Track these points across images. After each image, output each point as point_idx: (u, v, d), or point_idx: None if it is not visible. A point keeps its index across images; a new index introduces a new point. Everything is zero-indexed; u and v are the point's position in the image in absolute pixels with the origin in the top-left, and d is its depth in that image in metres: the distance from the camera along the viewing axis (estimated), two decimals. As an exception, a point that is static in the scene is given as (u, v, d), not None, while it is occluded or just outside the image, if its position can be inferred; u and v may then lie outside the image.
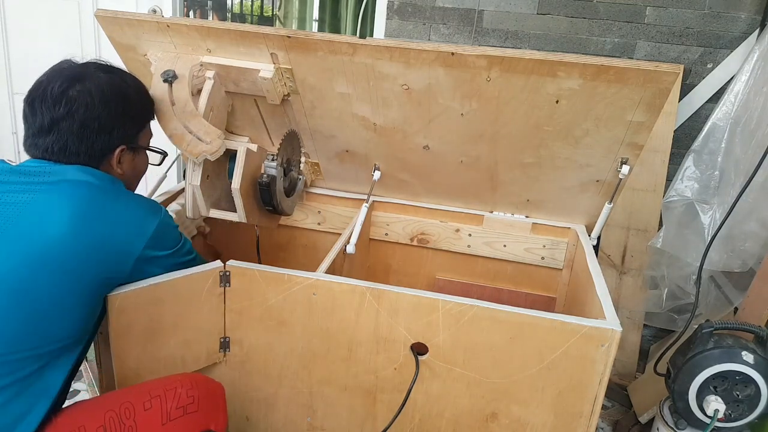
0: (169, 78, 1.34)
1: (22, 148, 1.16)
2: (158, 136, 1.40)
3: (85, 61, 1.19)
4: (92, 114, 1.11)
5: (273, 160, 1.50)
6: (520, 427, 1.27)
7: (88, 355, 2.05)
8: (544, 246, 1.80)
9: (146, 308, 1.16)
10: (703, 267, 1.66)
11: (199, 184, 1.45)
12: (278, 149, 1.52)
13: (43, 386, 1.02)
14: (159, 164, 1.35)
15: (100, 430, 1.01)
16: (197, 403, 1.09)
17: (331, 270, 1.45)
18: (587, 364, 1.18)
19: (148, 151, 1.27)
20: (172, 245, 1.19)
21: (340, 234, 1.69)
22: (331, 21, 3.47)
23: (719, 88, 2.10)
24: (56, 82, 1.11)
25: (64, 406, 1.11)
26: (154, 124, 1.35)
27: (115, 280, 1.11)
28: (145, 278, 1.15)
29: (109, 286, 1.11)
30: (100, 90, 1.13)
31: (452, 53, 1.28)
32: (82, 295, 1.04)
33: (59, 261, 1.00)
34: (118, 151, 1.16)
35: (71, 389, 1.92)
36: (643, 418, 1.91)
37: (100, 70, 1.18)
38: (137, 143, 1.22)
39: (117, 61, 1.55)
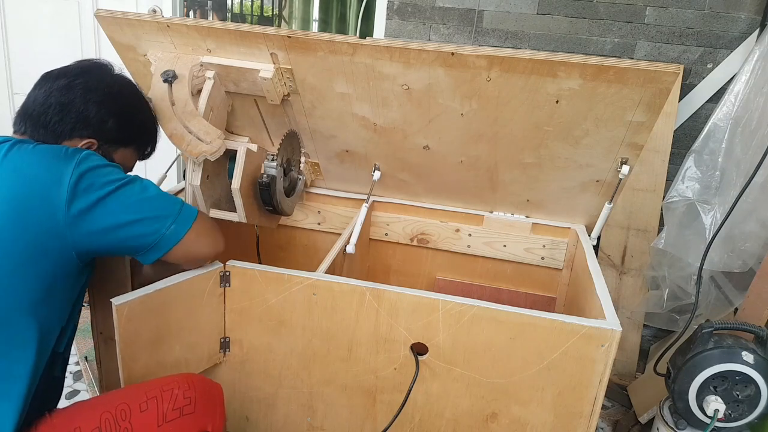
0: (169, 78, 1.34)
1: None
2: (159, 137, 1.40)
3: (121, 71, 1.22)
4: (86, 98, 1.11)
5: (273, 160, 1.50)
6: (520, 427, 1.28)
7: (87, 355, 2.06)
8: (544, 246, 1.80)
9: (152, 314, 1.16)
10: (704, 267, 1.67)
11: (199, 184, 1.45)
12: (278, 149, 1.52)
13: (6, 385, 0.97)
14: None
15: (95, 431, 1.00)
16: (194, 405, 1.07)
17: (331, 270, 1.45)
18: (587, 364, 1.18)
19: None
20: (105, 178, 1.04)
21: (340, 234, 1.69)
22: (334, 21, 3.47)
23: (719, 88, 2.10)
24: (81, 64, 1.14)
25: (62, 407, 1.11)
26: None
27: (58, 241, 1.00)
28: (106, 230, 1.03)
29: (57, 249, 1.00)
30: (108, 84, 1.14)
31: (452, 53, 1.28)
32: (26, 261, 0.98)
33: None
34: (85, 141, 1.12)
35: (71, 389, 1.93)
36: (643, 418, 1.91)
37: (124, 78, 1.20)
38: (111, 153, 1.17)
39: (117, 61, 1.56)
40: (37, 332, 1.01)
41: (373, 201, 1.85)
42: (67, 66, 1.15)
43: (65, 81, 1.11)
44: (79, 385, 1.96)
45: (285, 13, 3.92)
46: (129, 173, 1.13)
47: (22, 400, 0.98)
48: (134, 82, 1.25)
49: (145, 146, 1.28)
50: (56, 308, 1.05)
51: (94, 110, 1.12)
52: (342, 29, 3.43)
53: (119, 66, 1.23)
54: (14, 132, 1.13)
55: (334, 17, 3.46)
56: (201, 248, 1.17)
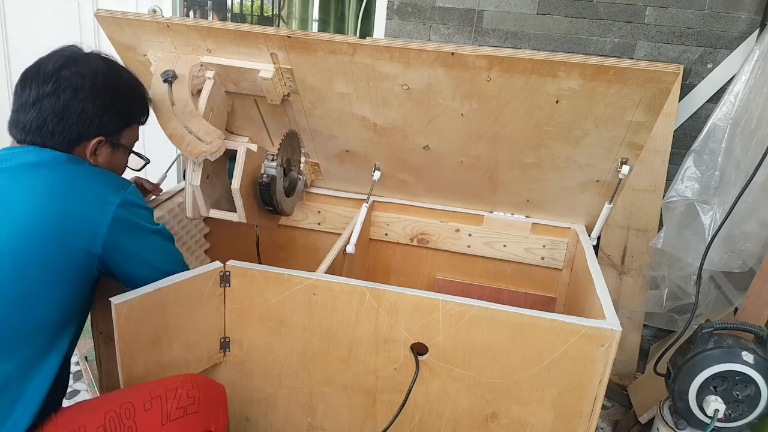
0: (169, 78, 1.34)
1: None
2: (158, 136, 1.40)
3: (91, 50, 1.19)
4: (78, 97, 1.10)
5: (273, 160, 1.50)
6: (520, 427, 1.27)
7: (87, 355, 2.06)
8: (544, 246, 1.80)
9: (151, 314, 1.16)
10: (704, 267, 1.66)
11: (199, 184, 1.45)
12: (278, 149, 1.52)
13: (29, 389, 1.02)
14: (138, 170, 1.33)
15: (100, 430, 1.01)
16: (198, 404, 1.08)
17: (331, 270, 1.45)
18: (587, 364, 1.18)
19: (131, 154, 1.26)
20: (141, 221, 1.15)
21: (340, 234, 1.69)
22: (334, 21, 3.47)
23: (719, 88, 2.10)
24: (53, 60, 1.12)
25: (64, 405, 1.11)
26: (150, 128, 1.34)
27: (92, 258, 1.07)
28: (121, 260, 1.12)
29: (88, 266, 1.08)
30: (93, 76, 1.12)
31: (452, 53, 1.28)
32: (62, 275, 1.03)
33: (35, 245, 1.00)
34: (95, 141, 1.14)
35: (71, 389, 1.92)
36: (643, 418, 1.91)
37: (100, 59, 1.18)
38: (119, 140, 1.20)
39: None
40: (66, 341, 1.08)
41: (373, 201, 1.85)
42: (43, 64, 1.12)
43: (51, 87, 1.09)
44: (79, 385, 1.96)
45: (283, 13, 3.91)
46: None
47: (38, 403, 1.02)
48: (105, 55, 1.21)
49: (142, 116, 1.28)
50: (77, 321, 1.13)
51: (91, 109, 1.12)
52: (341, 29, 3.42)
53: (88, 44, 1.20)
54: (18, 143, 1.13)
55: (332, 17, 3.46)
56: None
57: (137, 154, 1.28)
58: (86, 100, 1.11)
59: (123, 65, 1.25)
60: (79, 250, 1.05)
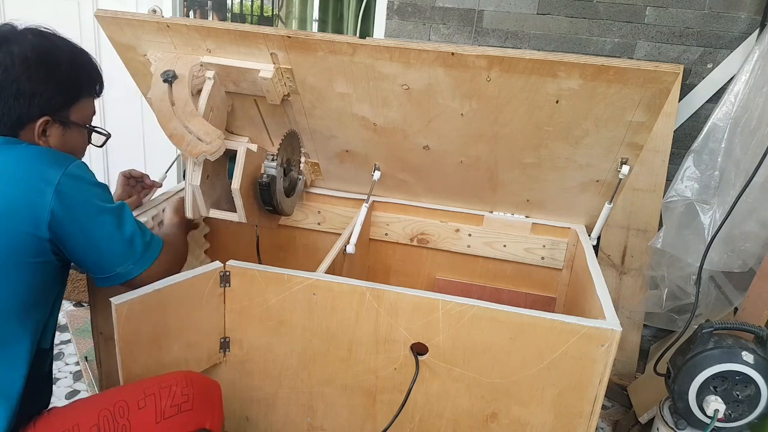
0: (169, 78, 1.34)
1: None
2: (158, 136, 1.40)
3: (26, 26, 1.13)
4: (10, 77, 1.04)
5: (273, 160, 1.50)
6: (520, 427, 1.27)
7: (87, 355, 2.06)
8: (544, 246, 1.80)
9: (152, 314, 1.16)
10: (703, 267, 1.66)
11: (199, 184, 1.45)
12: (278, 149, 1.52)
13: None
14: (100, 146, 1.25)
15: (94, 429, 1.00)
16: (192, 401, 1.07)
17: (331, 270, 1.45)
18: (587, 364, 1.18)
19: (90, 131, 1.19)
20: (89, 199, 1.06)
21: (340, 234, 1.69)
22: (334, 21, 3.47)
23: (719, 88, 2.10)
24: None
25: (61, 405, 1.11)
26: (150, 128, 1.30)
27: (39, 245, 1.01)
28: (71, 245, 1.05)
29: (40, 253, 1.02)
30: (23, 53, 1.06)
31: (452, 53, 1.28)
32: (5, 259, 0.98)
33: None
34: (40, 121, 1.07)
35: (71, 389, 1.92)
36: (643, 418, 1.91)
37: (32, 34, 1.11)
38: (68, 117, 1.12)
39: (117, 61, 1.57)
40: (27, 332, 1.03)
41: (373, 201, 1.85)
42: None
43: None
44: (79, 385, 1.96)
45: (282, 13, 3.91)
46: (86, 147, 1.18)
47: (15, 400, 0.99)
48: (43, 29, 1.15)
49: (92, 88, 1.19)
50: (41, 306, 1.07)
51: (25, 88, 1.05)
52: (340, 29, 3.42)
53: (20, 20, 1.14)
54: None
55: (331, 17, 3.46)
56: (155, 279, 1.17)
57: (94, 128, 1.20)
58: (19, 79, 1.04)
59: (62, 36, 1.16)
60: (26, 235, 0.99)
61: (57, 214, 1.00)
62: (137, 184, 1.56)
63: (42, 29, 1.14)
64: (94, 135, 1.22)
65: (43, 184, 1.00)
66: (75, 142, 1.16)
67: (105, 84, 1.22)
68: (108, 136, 1.24)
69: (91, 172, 1.09)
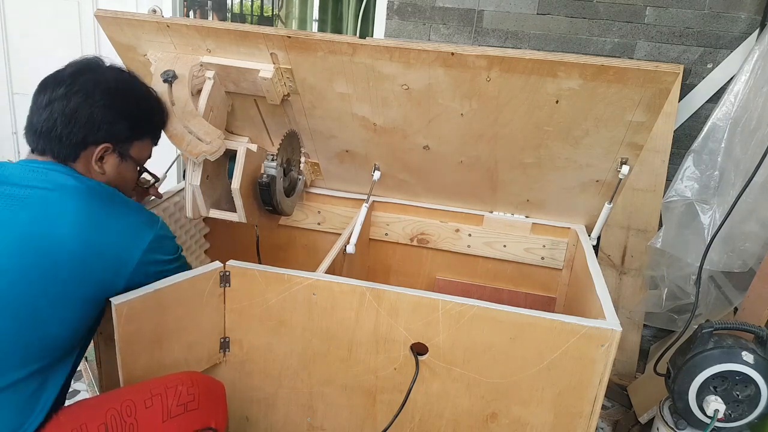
0: (169, 78, 1.33)
1: (22, 148, 1.16)
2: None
3: (112, 63, 1.20)
4: (89, 101, 1.10)
5: (273, 160, 1.50)
6: (520, 427, 1.27)
7: (87, 355, 2.06)
8: (544, 246, 1.80)
9: (152, 314, 1.16)
10: (703, 267, 1.67)
11: (199, 184, 1.45)
12: (278, 149, 1.52)
13: (44, 396, 1.03)
14: (147, 188, 1.35)
15: (102, 428, 1.01)
16: (198, 401, 1.09)
17: (331, 270, 1.45)
18: (587, 364, 1.18)
19: (141, 170, 1.27)
20: (168, 255, 1.18)
21: (340, 234, 1.69)
22: (333, 21, 3.47)
23: (719, 88, 2.10)
24: (71, 66, 1.14)
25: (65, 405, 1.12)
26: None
27: (111, 288, 1.09)
28: (140, 286, 1.14)
29: (105, 294, 1.09)
30: (106, 83, 1.13)
31: (452, 53, 1.28)
32: (80, 302, 1.04)
33: (61, 268, 1.00)
34: (101, 147, 1.13)
35: (71, 389, 1.93)
36: (643, 418, 1.91)
37: (119, 70, 1.19)
38: (128, 151, 1.19)
39: (117, 61, 1.56)
40: (77, 356, 1.10)
41: (373, 201, 1.85)
42: (61, 71, 1.14)
43: (63, 90, 1.10)
44: (79, 385, 1.96)
45: (281, 13, 3.91)
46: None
47: (48, 409, 1.03)
48: (128, 69, 1.24)
49: (157, 132, 1.28)
50: (90, 333, 1.15)
51: (100, 114, 1.12)
52: (339, 29, 3.43)
53: (109, 57, 1.22)
54: (32, 151, 1.13)
55: (330, 17, 3.46)
56: None
57: (148, 171, 1.29)
58: (96, 105, 1.11)
59: (143, 81, 1.25)
60: (104, 282, 1.07)
61: (139, 269, 1.10)
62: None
63: (126, 69, 1.23)
64: (143, 175, 1.30)
65: (137, 240, 1.10)
66: (127, 176, 1.22)
67: None
68: (156, 179, 1.34)
69: (168, 228, 1.21)
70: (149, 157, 1.28)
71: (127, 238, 1.09)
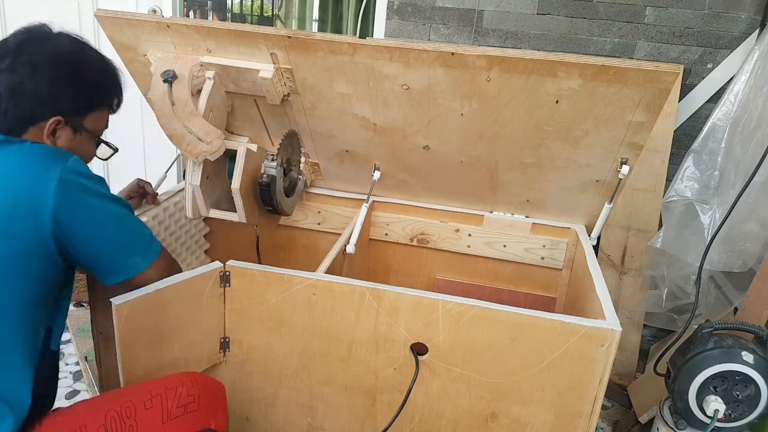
0: (169, 78, 1.34)
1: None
2: (158, 136, 1.40)
3: (61, 29, 1.13)
4: (36, 75, 1.04)
5: (273, 160, 1.50)
6: (520, 427, 1.27)
7: (87, 355, 2.05)
8: (544, 246, 1.80)
9: (152, 314, 1.16)
10: (703, 267, 1.67)
11: (199, 184, 1.45)
12: (278, 149, 1.52)
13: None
14: (105, 159, 1.25)
15: (101, 429, 1.01)
16: (198, 402, 1.08)
17: (331, 270, 1.45)
18: (587, 364, 1.18)
19: (98, 143, 1.19)
20: (91, 187, 1.05)
21: (340, 234, 1.69)
22: (333, 21, 3.47)
23: (719, 88, 2.10)
24: (15, 36, 1.07)
25: (64, 405, 1.11)
26: (150, 128, 1.31)
27: (42, 238, 0.99)
28: (77, 236, 1.03)
29: (42, 247, 1.00)
30: (53, 54, 1.07)
31: (452, 53, 1.28)
32: (11, 271, 0.97)
33: None
34: (52, 120, 1.07)
35: (71, 389, 1.92)
36: (643, 418, 1.91)
37: (65, 37, 1.12)
38: (81, 123, 1.12)
39: (117, 61, 1.57)
40: (33, 336, 1.03)
41: (373, 201, 1.85)
42: (5, 40, 1.07)
43: (7, 62, 1.04)
44: (79, 385, 1.96)
45: (281, 13, 3.92)
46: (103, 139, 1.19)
47: (26, 406, 1.00)
48: (76, 36, 1.15)
49: (111, 101, 1.20)
50: (45, 309, 1.06)
51: (46, 87, 1.06)
52: (339, 29, 3.43)
53: (58, 23, 1.15)
54: None
55: (330, 17, 3.46)
56: (152, 281, 1.16)
57: (104, 142, 1.21)
58: (43, 78, 1.05)
59: (93, 47, 1.16)
60: (30, 232, 0.97)
61: (60, 204, 0.99)
62: (144, 195, 1.55)
63: (76, 36, 1.15)
64: (101, 147, 1.22)
65: (44, 177, 0.98)
66: (82, 150, 1.15)
67: None
68: (115, 150, 1.25)
69: (87, 166, 1.08)
70: (106, 127, 1.21)
71: (35, 177, 0.99)
